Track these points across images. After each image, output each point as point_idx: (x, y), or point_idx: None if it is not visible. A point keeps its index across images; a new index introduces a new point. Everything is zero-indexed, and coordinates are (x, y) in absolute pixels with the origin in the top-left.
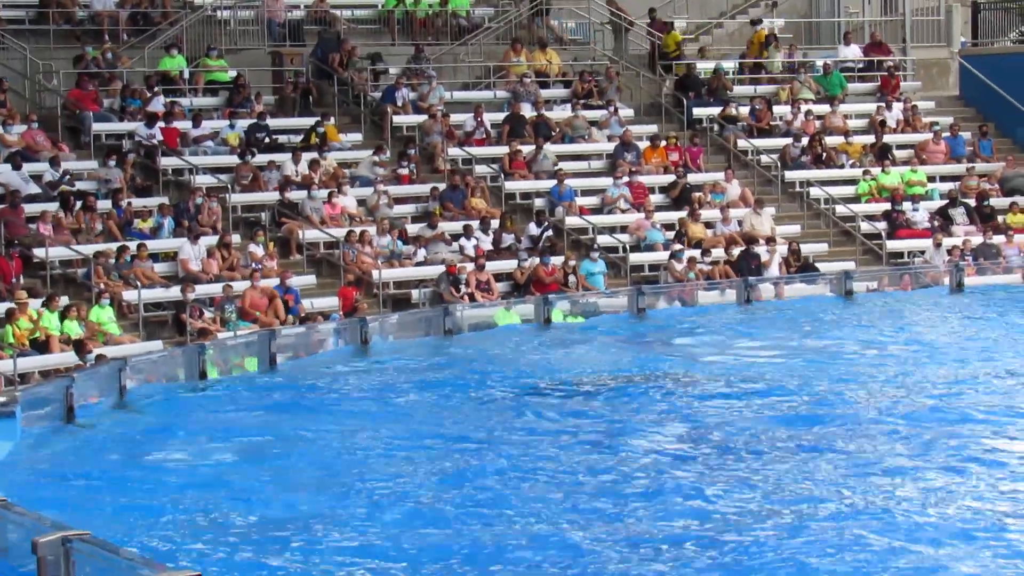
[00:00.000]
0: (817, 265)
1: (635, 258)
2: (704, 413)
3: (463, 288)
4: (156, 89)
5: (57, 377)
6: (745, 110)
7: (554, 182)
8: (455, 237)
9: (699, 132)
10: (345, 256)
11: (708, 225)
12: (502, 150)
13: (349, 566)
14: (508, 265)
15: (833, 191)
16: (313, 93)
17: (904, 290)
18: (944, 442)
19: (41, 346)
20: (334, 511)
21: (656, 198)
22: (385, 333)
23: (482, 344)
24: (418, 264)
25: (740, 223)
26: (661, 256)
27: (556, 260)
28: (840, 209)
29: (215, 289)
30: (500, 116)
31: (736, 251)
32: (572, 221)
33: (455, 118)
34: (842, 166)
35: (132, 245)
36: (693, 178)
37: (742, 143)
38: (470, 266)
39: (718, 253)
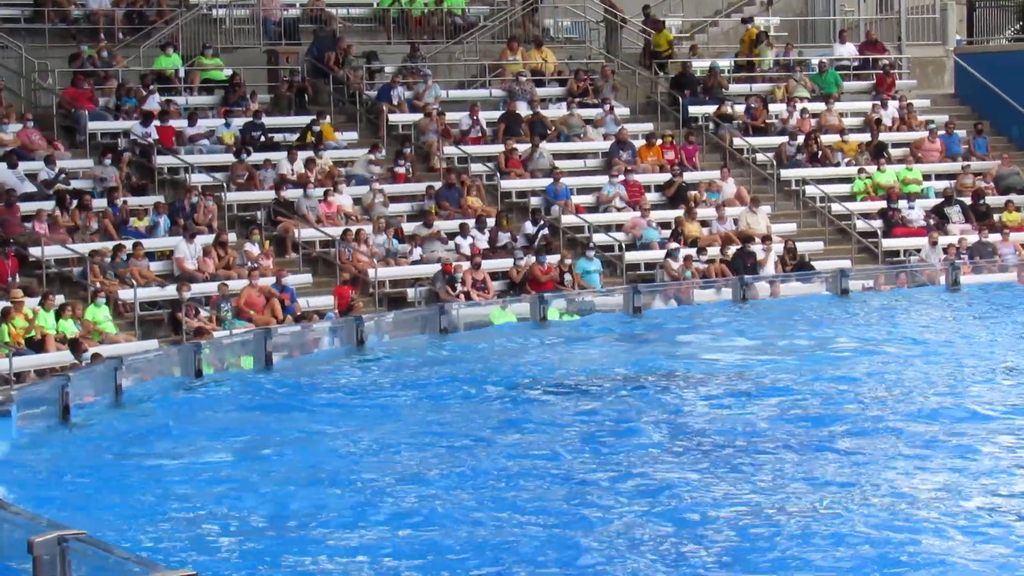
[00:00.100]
0: (813, 263)
1: (631, 257)
2: (701, 412)
3: (459, 287)
4: (152, 88)
5: (53, 376)
6: (741, 108)
7: (550, 180)
8: (451, 236)
9: (695, 130)
10: (341, 255)
11: (704, 223)
12: (498, 148)
13: (346, 565)
14: (504, 264)
15: (829, 189)
16: (309, 92)
17: (900, 288)
18: (942, 441)
19: (37, 345)
20: (330, 510)
21: (652, 196)
22: (381, 332)
23: (478, 343)
24: (414, 263)
25: (736, 221)
26: (657, 255)
27: (552, 259)
28: (836, 207)
29: (211, 288)
30: (496, 114)
31: (732, 250)
32: (568, 220)
33: (451, 116)
34: (838, 164)
35: (128, 244)
36: (689, 176)
37: (738, 141)
38: (466, 265)
39: (714, 251)
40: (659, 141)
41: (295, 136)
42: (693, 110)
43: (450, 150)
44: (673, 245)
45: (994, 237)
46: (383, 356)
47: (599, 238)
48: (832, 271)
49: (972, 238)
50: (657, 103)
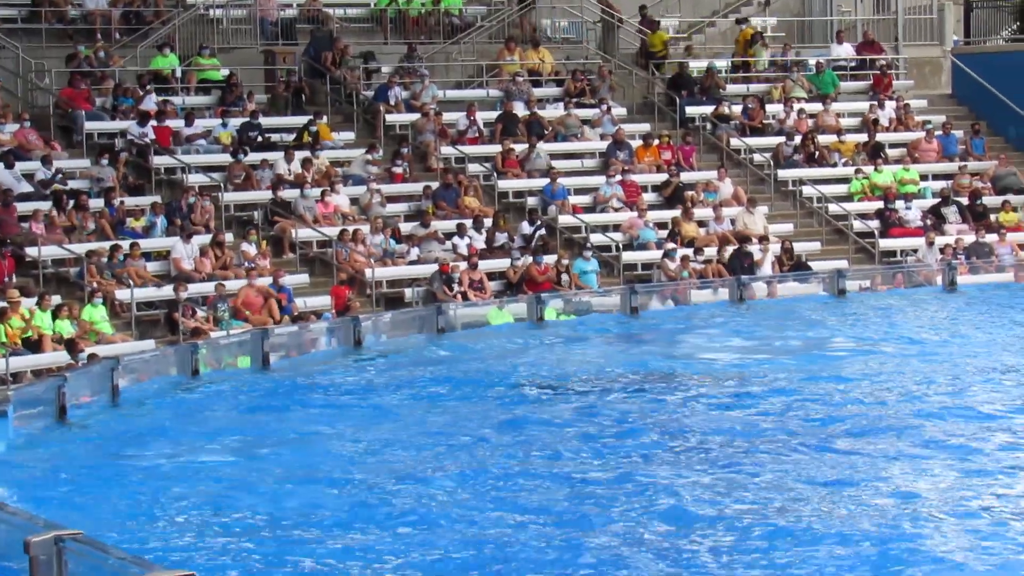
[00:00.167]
0: (810, 264)
1: (628, 257)
2: (698, 412)
3: (456, 287)
4: (148, 88)
5: (49, 376)
6: (738, 109)
7: (547, 181)
8: (448, 236)
9: (692, 131)
10: (338, 255)
11: (701, 224)
12: (495, 149)
13: (343, 565)
14: (501, 264)
15: (826, 190)
16: (306, 92)
17: (897, 288)
18: (940, 440)
19: (33, 345)
20: (327, 510)
21: (649, 197)
22: (378, 332)
23: (475, 343)
24: (411, 263)
25: (733, 222)
26: (654, 255)
27: (549, 259)
28: (833, 208)
29: (208, 288)
30: (493, 115)
31: (729, 250)
32: (565, 220)
33: (448, 117)
34: (835, 165)
35: (125, 244)
36: (686, 177)
37: (735, 142)
38: (463, 265)
39: (711, 252)
40: (656, 141)
41: (292, 136)
42: (690, 110)
43: (447, 150)
44: (670, 245)
45: (991, 237)
46: (380, 356)
47: (596, 238)
48: (829, 271)
49: (969, 238)
50: (654, 103)
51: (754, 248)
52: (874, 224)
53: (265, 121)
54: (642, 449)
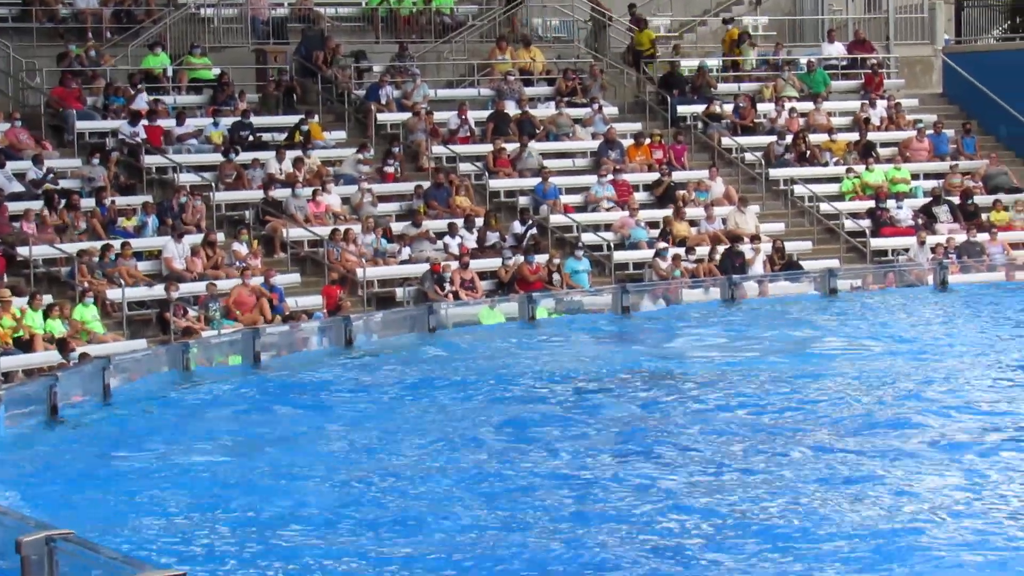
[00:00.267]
0: (801, 263)
1: (619, 256)
2: (690, 412)
3: (447, 286)
4: (140, 87)
5: (41, 376)
6: (729, 108)
7: (538, 180)
8: (439, 235)
9: (683, 130)
10: (329, 254)
11: (692, 223)
12: (486, 148)
13: (334, 564)
14: (492, 263)
15: (817, 189)
16: (297, 91)
17: (888, 288)
18: (938, 439)
19: (25, 345)
20: (319, 509)
21: (640, 196)
22: (369, 331)
23: (466, 342)
24: (402, 262)
25: (724, 221)
26: (645, 254)
27: (540, 258)
28: (824, 207)
29: (199, 288)
30: (484, 114)
31: (720, 249)
32: (556, 219)
33: (439, 116)
34: (826, 164)
35: (116, 243)
36: (677, 176)
37: (726, 141)
38: (454, 264)
39: (702, 251)
40: (647, 140)
41: (283, 135)
42: (681, 109)
43: (438, 149)
44: (661, 245)
45: (982, 236)
46: (371, 356)
47: (588, 238)
48: (820, 271)
49: (960, 237)
50: (645, 102)
51: (745, 247)
52: (865, 223)
53: (256, 120)
54: (636, 448)
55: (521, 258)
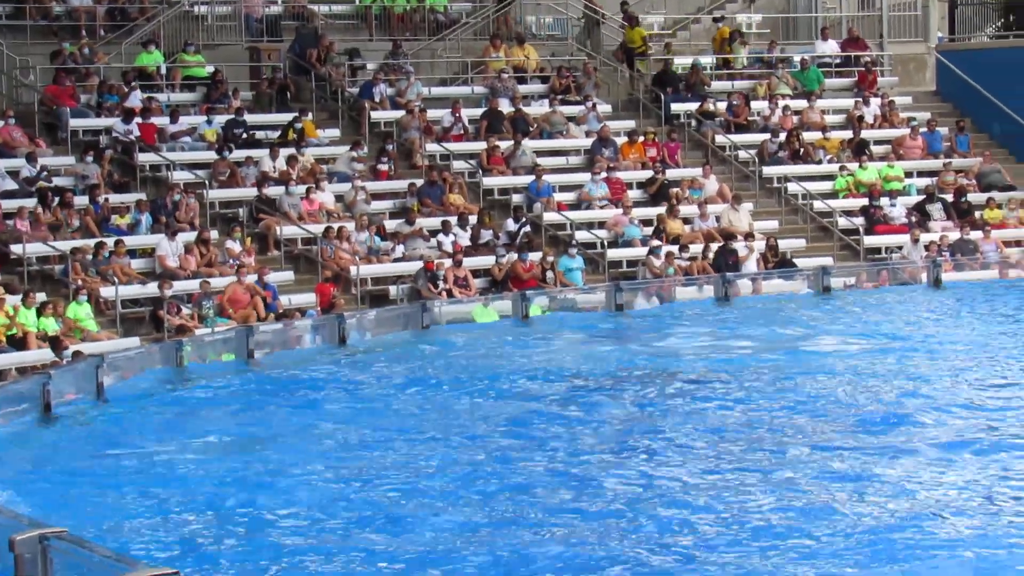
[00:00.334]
0: (795, 261)
1: (613, 254)
2: (685, 410)
3: (441, 284)
4: (133, 85)
5: (34, 374)
6: (723, 105)
7: (532, 178)
8: (433, 233)
9: (677, 128)
10: (323, 252)
11: (686, 221)
12: (480, 146)
13: (328, 562)
14: (486, 261)
15: (811, 187)
16: (291, 89)
17: (882, 286)
18: (934, 438)
19: (18, 343)
20: (312, 507)
21: (634, 194)
22: (363, 329)
23: (460, 340)
24: (396, 260)
25: (718, 219)
26: (639, 252)
27: (534, 256)
28: (818, 205)
29: (192, 285)
30: (478, 112)
31: (714, 247)
32: (550, 217)
33: (433, 114)
34: (819, 162)
35: (109, 241)
36: (671, 174)
37: (720, 139)
38: (448, 262)
39: (696, 249)
40: (641, 138)
41: (277, 133)
42: (675, 107)
43: (432, 147)
44: (655, 242)
45: (976, 234)
46: (365, 353)
47: (581, 235)
48: (814, 268)
49: (954, 235)
50: (639, 100)
51: (739, 245)
52: (859, 221)
53: (250, 118)
54: (630, 446)
55: (515, 256)
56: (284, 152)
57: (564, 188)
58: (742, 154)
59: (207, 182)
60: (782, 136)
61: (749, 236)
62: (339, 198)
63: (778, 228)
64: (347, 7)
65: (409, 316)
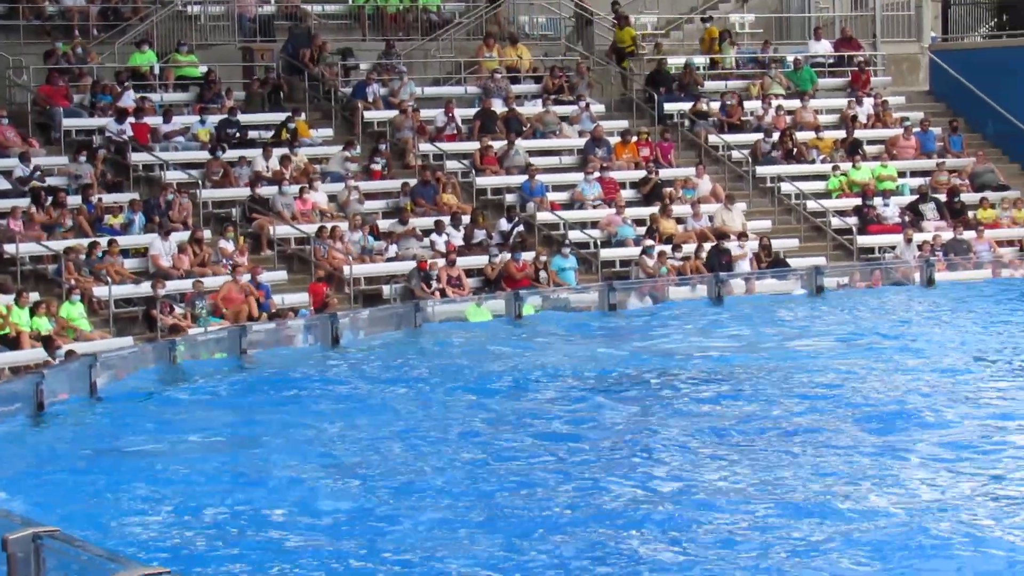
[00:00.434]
0: (788, 261)
1: (606, 254)
2: (678, 410)
3: (434, 284)
4: (126, 84)
5: (27, 373)
6: (716, 105)
7: (525, 178)
8: (426, 233)
9: (670, 127)
10: (316, 252)
11: (679, 221)
12: (473, 146)
13: (320, 561)
14: (479, 261)
15: (804, 186)
16: (284, 89)
17: (875, 285)
18: (931, 437)
19: (11, 342)
20: (307, 507)
21: (627, 193)
22: (356, 329)
23: (453, 340)
24: (389, 260)
25: (711, 219)
26: (632, 252)
27: (527, 256)
28: (811, 204)
29: (186, 285)
30: (471, 112)
31: (707, 247)
32: (543, 217)
33: (426, 114)
34: (813, 161)
35: (103, 241)
36: (664, 173)
37: (713, 138)
38: (441, 262)
39: (689, 249)
40: (634, 138)
41: (270, 133)
42: (668, 107)
43: (425, 147)
44: (648, 242)
45: (969, 234)
46: (358, 353)
47: (574, 235)
48: (807, 268)
49: (947, 235)
50: (632, 100)
51: (732, 245)
52: (852, 221)
53: (243, 118)
54: (623, 445)
55: (508, 255)
56: (277, 152)
57: (557, 188)
58: (735, 154)
59: (200, 182)
60: (775, 136)
61: (742, 236)
62: (332, 198)
63: (771, 228)
64: (340, 7)
65: (402, 316)
